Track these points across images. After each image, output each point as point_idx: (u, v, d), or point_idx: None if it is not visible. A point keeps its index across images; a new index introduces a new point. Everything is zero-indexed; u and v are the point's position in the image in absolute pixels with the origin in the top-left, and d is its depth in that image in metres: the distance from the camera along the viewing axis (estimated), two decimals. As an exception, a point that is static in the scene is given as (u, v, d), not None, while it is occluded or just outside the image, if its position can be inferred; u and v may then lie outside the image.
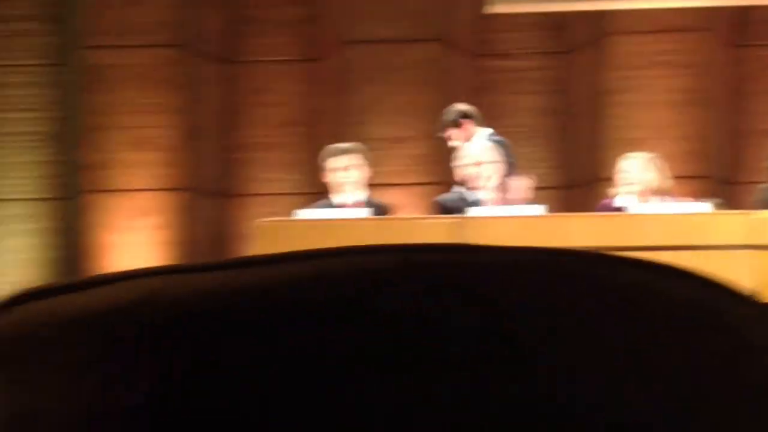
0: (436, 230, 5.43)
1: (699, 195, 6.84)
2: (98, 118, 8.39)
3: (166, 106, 8.40)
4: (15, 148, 8.46)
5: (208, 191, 8.64)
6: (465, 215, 5.60)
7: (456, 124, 6.46)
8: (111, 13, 8.34)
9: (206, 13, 8.63)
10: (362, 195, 5.91)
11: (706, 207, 5.90)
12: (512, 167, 6.12)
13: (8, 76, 8.53)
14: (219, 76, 8.72)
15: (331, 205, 5.88)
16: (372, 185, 6.05)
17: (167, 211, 8.38)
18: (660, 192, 5.91)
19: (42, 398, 0.34)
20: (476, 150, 6.07)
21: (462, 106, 6.63)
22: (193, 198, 8.38)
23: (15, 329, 0.35)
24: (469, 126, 6.43)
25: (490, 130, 6.51)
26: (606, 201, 6.16)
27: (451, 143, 6.45)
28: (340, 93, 8.48)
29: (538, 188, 6.41)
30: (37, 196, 8.43)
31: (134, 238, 8.34)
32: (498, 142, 6.25)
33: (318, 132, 8.28)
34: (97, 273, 7.93)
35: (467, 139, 6.32)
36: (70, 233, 8.45)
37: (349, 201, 5.84)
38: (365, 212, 5.71)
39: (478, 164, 5.91)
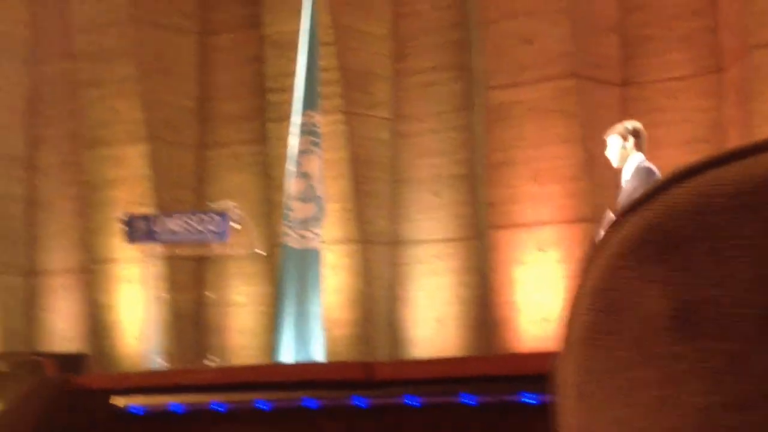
0: None
1: None
2: (502, 154, 8.57)
3: (565, 137, 8.40)
4: (426, 191, 8.94)
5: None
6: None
7: (622, 135, 6.58)
8: (508, 53, 8.54)
9: (600, 40, 8.54)
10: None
11: None
12: None
13: (422, 125, 9.06)
14: (616, 101, 8.56)
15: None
16: None
17: (570, 244, 8.29)
18: None
19: (709, 284, 0.35)
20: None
21: (635, 124, 6.66)
22: (594, 229, 8.27)
23: (692, 201, 0.37)
24: (630, 144, 6.53)
25: (640, 157, 6.51)
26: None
27: (607, 151, 6.64)
28: (746, 102, 7.94)
29: None
30: (448, 237, 8.82)
31: (536, 273, 8.34)
32: (643, 170, 6.38)
33: (725, 146, 7.80)
34: (505, 309, 8.04)
35: (623, 156, 6.54)
36: (480, 271, 8.69)
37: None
38: None
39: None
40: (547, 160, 8.32)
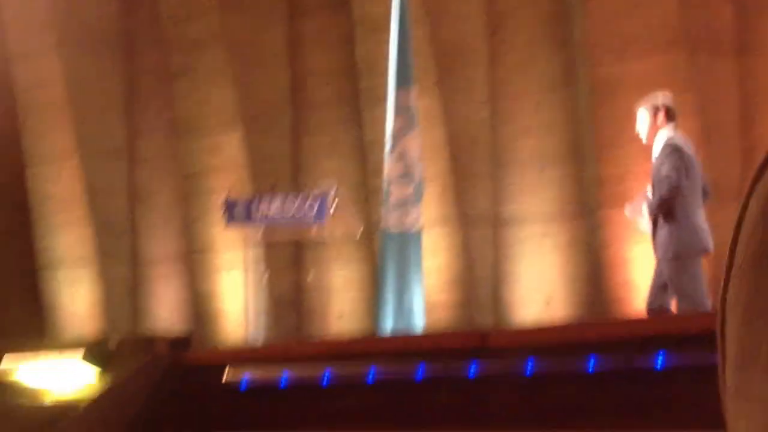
0: None
1: None
2: (611, 132, 8.34)
3: (681, 111, 8.14)
4: (530, 171, 8.77)
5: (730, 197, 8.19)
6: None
7: (652, 110, 6.40)
8: (613, 25, 8.30)
9: (712, 9, 8.25)
10: None
11: None
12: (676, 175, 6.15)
13: (522, 102, 8.89)
14: (731, 73, 8.27)
15: None
16: None
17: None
18: None
19: None
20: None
21: (666, 98, 6.45)
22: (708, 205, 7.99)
23: None
24: (660, 119, 6.35)
25: (670, 132, 6.33)
26: None
27: (637, 126, 6.49)
28: None
29: None
30: (554, 215, 8.63)
31: (652, 252, 8.14)
32: (668, 146, 6.24)
33: None
34: (621, 288, 7.86)
35: (653, 131, 6.37)
36: (590, 249, 8.49)
37: None
38: None
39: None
40: (660, 136, 8.06)
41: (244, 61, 9.72)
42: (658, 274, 6.41)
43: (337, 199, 7.61)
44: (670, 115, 6.38)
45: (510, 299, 8.81)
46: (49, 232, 10.54)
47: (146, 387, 4.11)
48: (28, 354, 4.43)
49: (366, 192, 9.26)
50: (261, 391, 4.21)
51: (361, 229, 8.38)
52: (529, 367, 3.55)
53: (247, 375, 4.20)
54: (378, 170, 8.28)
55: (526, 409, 3.55)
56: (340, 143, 9.70)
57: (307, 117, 9.91)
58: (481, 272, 8.84)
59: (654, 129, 6.36)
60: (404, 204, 7.85)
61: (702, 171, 6.52)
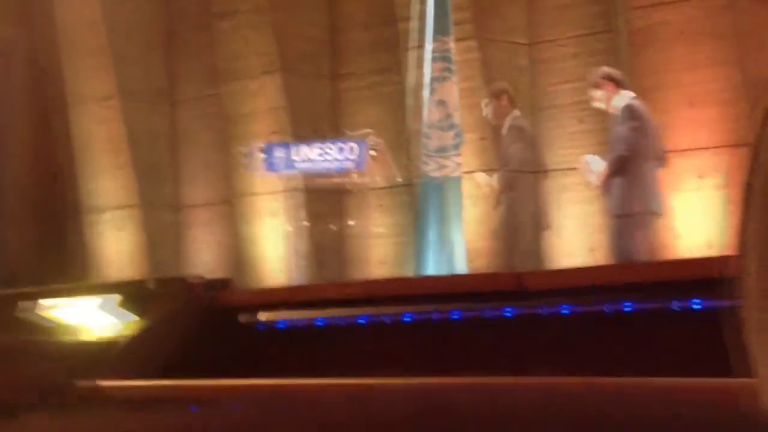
0: None
1: None
2: (651, 79, 8.24)
3: (720, 59, 8.01)
4: (570, 118, 8.67)
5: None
6: None
7: (596, 85, 6.89)
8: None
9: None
10: None
11: None
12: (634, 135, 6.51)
13: (561, 49, 8.77)
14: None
15: None
16: None
17: (728, 169, 7.96)
18: None
19: None
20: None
21: (604, 70, 6.95)
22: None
23: None
24: (611, 87, 6.79)
25: (624, 97, 6.75)
26: None
27: (593, 103, 7.00)
28: None
29: None
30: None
31: (696, 199, 8.07)
32: (624, 108, 6.61)
33: None
34: (665, 234, 7.81)
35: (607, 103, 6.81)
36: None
37: None
38: None
39: None
40: (702, 84, 7.95)
41: (283, 4, 9.68)
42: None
43: (377, 143, 7.60)
44: (619, 84, 6.93)
45: (553, 247, 8.76)
46: (93, 175, 10.61)
47: (182, 328, 4.14)
48: (65, 294, 4.49)
49: (407, 137, 9.22)
50: (298, 333, 4.23)
51: (402, 175, 8.37)
52: (565, 308, 3.53)
53: (283, 316, 4.22)
54: (418, 115, 8.24)
55: (563, 351, 3.53)
56: (379, 88, 9.66)
57: (347, 62, 9.86)
58: (522, 220, 8.80)
59: (608, 100, 6.88)
60: (445, 150, 7.82)
61: (659, 136, 6.87)
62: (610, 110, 6.95)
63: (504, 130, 7.65)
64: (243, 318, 4.34)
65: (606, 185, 6.84)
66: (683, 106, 8.11)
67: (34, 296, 4.57)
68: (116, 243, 10.51)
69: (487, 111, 7.69)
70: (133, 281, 4.63)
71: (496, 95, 7.63)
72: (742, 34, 7.92)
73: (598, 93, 6.96)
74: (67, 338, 4.18)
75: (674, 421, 2.65)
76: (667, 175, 8.02)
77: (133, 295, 4.38)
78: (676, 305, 3.31)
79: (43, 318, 4.40)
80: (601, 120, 8.63)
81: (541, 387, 2.92)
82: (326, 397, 3.40)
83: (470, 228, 8.33)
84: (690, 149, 7.97)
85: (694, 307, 3.27)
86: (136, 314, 4.29)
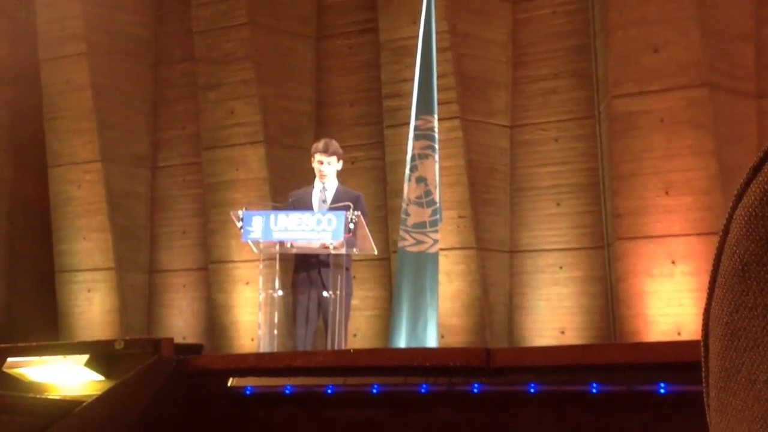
0: None
1: None
2: (630, 165, 8.35)
3: (697, 149, 8.13)
4: (547, 200, 8.75)
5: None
6: None
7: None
8: (634, 61, 8.33)
9: (734, 49, 8.25)
10: None
11: None
12: None
13: (542, 133, 8.88)
14: (753, 112, 8.25)
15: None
16: None
17: (700, 257, 8.04)
18: None
19: None
20: None
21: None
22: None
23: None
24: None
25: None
26: None
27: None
28: None
29: None
30: (570, 246, 8.61)
31: (668, 285, 8.12)
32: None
33: None
34: (637, 321, 7.86)
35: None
36: (605, 281, 8.47)
37: None
38: None
39: None
40: (680, 171, 8.07)
41: (270, 77, 9.78)
42: None
43: (355, 217, 7.62)
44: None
45: (524, 328, 8.78)
46: (68, 236, 10.60)
47: (149, 389, 4.10)
48: (33, 352, 4.45)
49: (385, 212, 9.27)
50: (266, 400, 4.20)
51: (379, 249, 8.38)
52: (532, 387, 3.53)
53: (251, 382, 4.19)
54: (398, 192, 8.29)
55: (530, 428, 3.53)
56: (361, 163, 9.73)
57: (330, 135, 9.94)
58: (496, 299, 8.83)
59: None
60: (422, 226, 7.85)
61: None
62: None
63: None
64: (211, 383, 4.32)
65: None
66: (660, 192, 8.20)
67: (2, 353, 4.54)
68: (89, 304, 10.45)
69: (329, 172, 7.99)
70: (102, 341, 4.59)
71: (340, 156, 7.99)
72: (721, 125, 8.05)
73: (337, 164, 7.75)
74: (30, 395, 4.14)
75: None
76: (641, 260, 8.10)
77: (101, 355, 4.34)
78: (642, 388, 3.32)
79: (9, 375, 4.36)
80: (578, 203, 8.71)
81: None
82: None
83: (445, 305, 8.34)
84: (664, 236, 8.04)
85: (661, 391, 3.28)
86: (102, 374, 4.25)
